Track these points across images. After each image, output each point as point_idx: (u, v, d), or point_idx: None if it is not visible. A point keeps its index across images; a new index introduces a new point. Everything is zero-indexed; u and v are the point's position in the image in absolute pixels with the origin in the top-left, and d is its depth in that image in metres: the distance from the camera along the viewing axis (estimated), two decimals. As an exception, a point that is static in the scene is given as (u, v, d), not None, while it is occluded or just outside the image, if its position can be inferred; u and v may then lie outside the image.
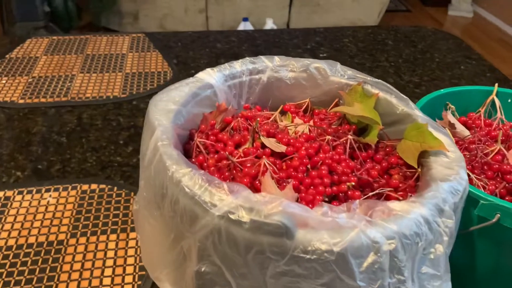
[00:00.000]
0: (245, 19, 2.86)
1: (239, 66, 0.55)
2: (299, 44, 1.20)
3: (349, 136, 0.49)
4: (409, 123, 0.50)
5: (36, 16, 2.38)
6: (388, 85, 0.54)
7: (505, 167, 0.52)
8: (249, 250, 0.35)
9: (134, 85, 0.98)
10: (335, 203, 0.43)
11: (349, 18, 2.99)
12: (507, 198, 0.52)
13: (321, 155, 0.46)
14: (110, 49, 1.13)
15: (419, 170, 0.47)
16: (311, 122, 0.55)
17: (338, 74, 0.55)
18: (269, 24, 2.83)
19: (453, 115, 0.62)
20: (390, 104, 0.53)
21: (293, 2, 2.87)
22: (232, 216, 0.35)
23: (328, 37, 1.24)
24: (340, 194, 0.44)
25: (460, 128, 0.59)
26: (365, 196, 0.44)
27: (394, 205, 0.39)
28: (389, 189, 0.45)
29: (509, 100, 0.63)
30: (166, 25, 2.85)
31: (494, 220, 0.45)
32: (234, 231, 0.35)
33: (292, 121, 0.55)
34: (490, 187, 0.51)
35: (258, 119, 0.48)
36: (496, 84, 0.62)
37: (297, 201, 0.43)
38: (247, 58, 0.56)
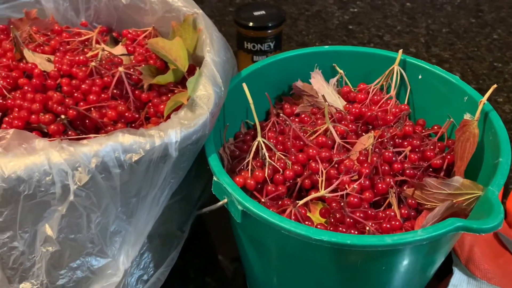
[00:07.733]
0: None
1: (74, -24, 0.49)
2: (336, -6, 1.04)
3: (119, 69, 0.41)
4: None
5: None
6: (213, 24, 0.43)
7: (311, 151, 0.38)
8: None
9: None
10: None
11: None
12: (312, 192, 0.39)
13: (64, 80, 0.39)
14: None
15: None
16: (130, 57, 0.47)
17: (171, -1, 0.46)
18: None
19: (341, 80, 0.48)
20: (200, 46, 0.42)
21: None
22: None
23: (374, -8, 1.05)
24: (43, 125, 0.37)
25: (323, 97, 0.45)
26: (74, 137, 0.37)
27: (38, 144, 0.31)
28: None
29: (420, 76, 0.45)
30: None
31: (219, 203, 0.34)
32: None
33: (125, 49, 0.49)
34: (288, 172, 0.38)
35: (13, 27, 0.43)
36: (400, 51, 0.45)
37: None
38: (88, -31, 0.49)
